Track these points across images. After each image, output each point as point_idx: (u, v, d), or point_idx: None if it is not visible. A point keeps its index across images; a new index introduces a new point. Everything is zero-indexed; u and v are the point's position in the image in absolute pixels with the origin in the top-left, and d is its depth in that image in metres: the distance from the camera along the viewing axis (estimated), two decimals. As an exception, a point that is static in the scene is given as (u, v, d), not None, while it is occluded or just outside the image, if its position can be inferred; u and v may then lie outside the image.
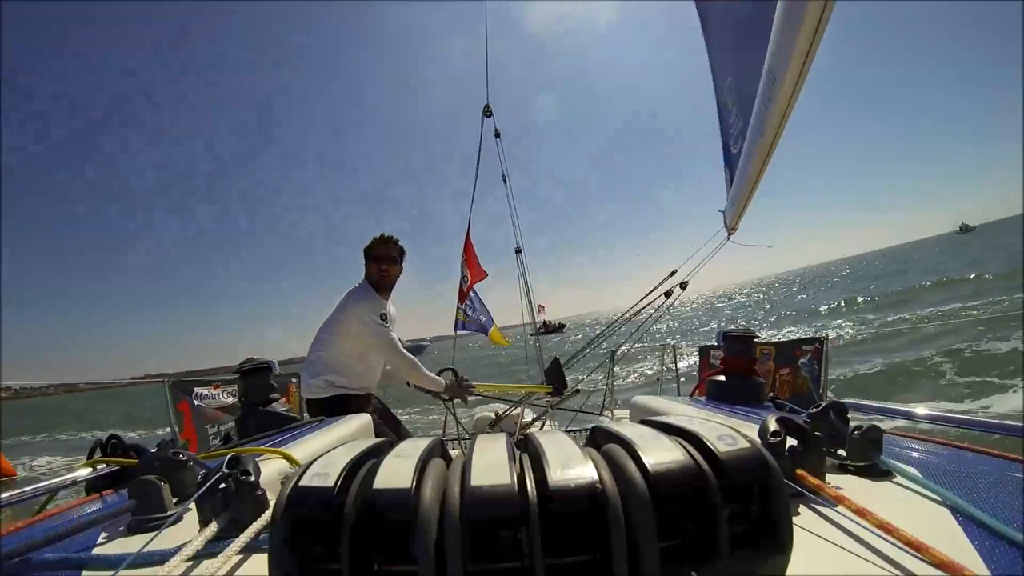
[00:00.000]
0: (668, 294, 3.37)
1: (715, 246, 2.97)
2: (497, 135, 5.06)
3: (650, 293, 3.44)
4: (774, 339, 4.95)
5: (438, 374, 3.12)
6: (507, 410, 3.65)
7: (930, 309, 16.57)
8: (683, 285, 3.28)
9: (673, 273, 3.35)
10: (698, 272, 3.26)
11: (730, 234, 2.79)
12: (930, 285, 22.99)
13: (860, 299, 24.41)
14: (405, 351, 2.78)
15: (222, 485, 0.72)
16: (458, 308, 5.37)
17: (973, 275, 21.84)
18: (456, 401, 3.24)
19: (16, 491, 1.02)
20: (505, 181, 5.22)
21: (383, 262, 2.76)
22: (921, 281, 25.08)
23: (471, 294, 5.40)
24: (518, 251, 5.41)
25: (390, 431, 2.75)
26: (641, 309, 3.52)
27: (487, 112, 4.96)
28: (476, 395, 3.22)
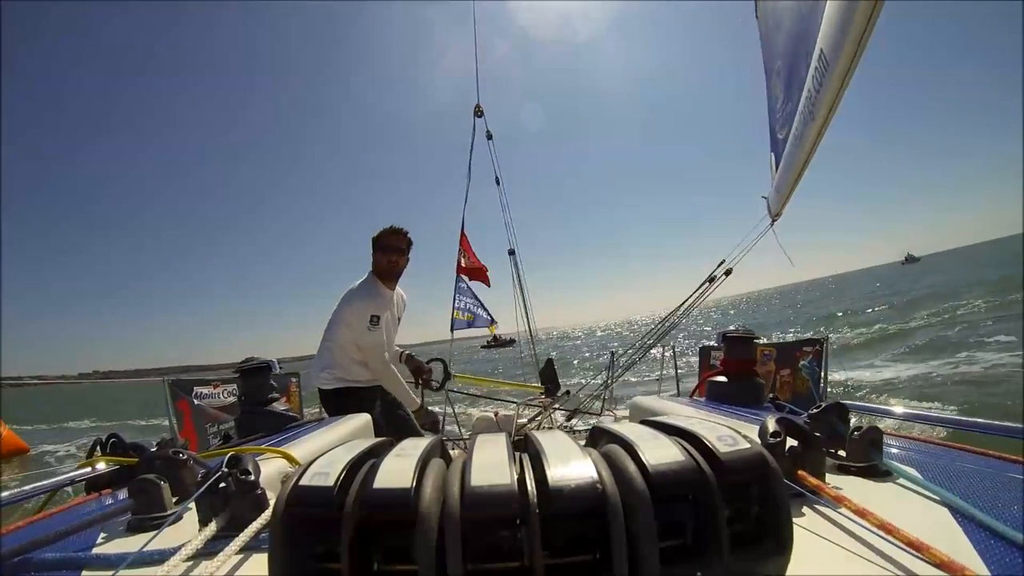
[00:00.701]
0: (712, 280, 3.51)
1: (759, 233, 2.99)
2: (489, 136, 5.04)
3: (703, 284, 3.64)
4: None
5: (428, 363, 3.14)
6: (514, 411, 3.65)
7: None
8: (728, 272, 3.37)
9: (722, 262, 3.47)
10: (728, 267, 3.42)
11: (773, 220, 2.78)
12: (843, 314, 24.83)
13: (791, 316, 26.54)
14: (388, 362, 2.79)
15: (222, 484, 0.72)
16: (455, 308, 5.31)
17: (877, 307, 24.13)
18: (451, 400, 3.24)
19: (16, 490, 1.02)
20: (498, 183, 5.20)
21: (392, 253, 2.78)
22: (846, 308, 27.23)
23: (468, 287, 5.34)
24: (511, 253, 5.38)
25: (392, 429, 2.74)
26: (691, 299, 3.66)
27: (478, 112, 4.94)
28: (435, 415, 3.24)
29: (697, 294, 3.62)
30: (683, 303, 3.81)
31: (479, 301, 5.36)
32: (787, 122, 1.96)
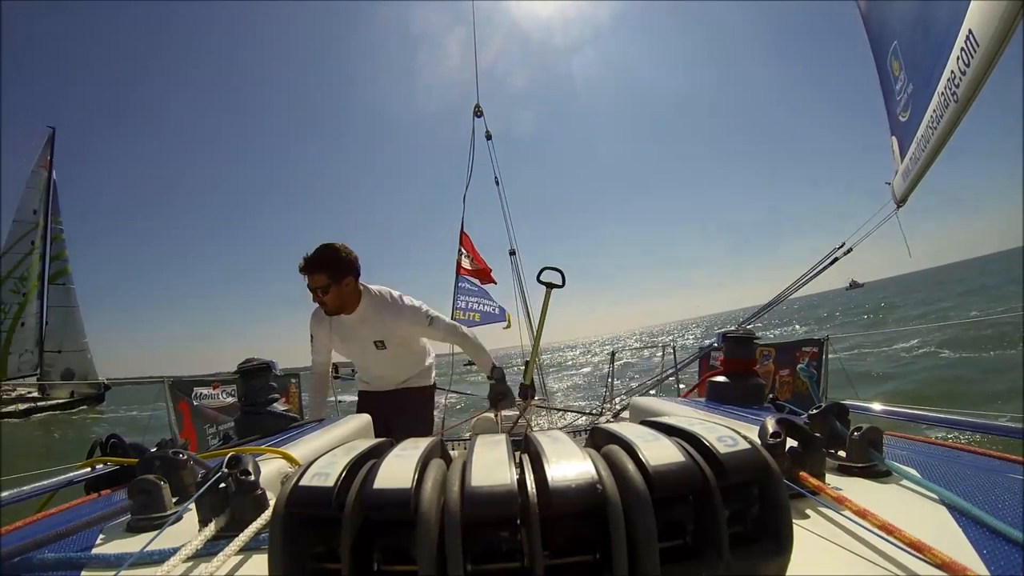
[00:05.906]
0: (834, 261, 3.70)
1: (882, 218, 3.03)
2: (488, 136, 5.05)
3: (823, 261, 3.80)
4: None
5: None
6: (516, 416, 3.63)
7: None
8: (848, 251, 3.57)
9: (842, 245, 3.63)
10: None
11: (899, 206, 2.78)
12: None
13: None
14: (322, 379, 2.64)
15: (222, 485, 0.72)
16: (456, 308, 5.29)
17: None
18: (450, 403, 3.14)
19: (16, 490, 1.02)
20: (497, 183, 5.20)
21: (313, 294, 2.23)
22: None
23: (472, 287, 5.32)
24: (512, 253, 5.36)
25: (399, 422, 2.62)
26: (808, 276, 3.87)
27: (477, 112, 4.94)
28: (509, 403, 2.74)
29: (815, 272, 3.84)
30: (799, 278, 4.04)
31: (487, 298, 5.30)
32: (911, 104, 1.92)
